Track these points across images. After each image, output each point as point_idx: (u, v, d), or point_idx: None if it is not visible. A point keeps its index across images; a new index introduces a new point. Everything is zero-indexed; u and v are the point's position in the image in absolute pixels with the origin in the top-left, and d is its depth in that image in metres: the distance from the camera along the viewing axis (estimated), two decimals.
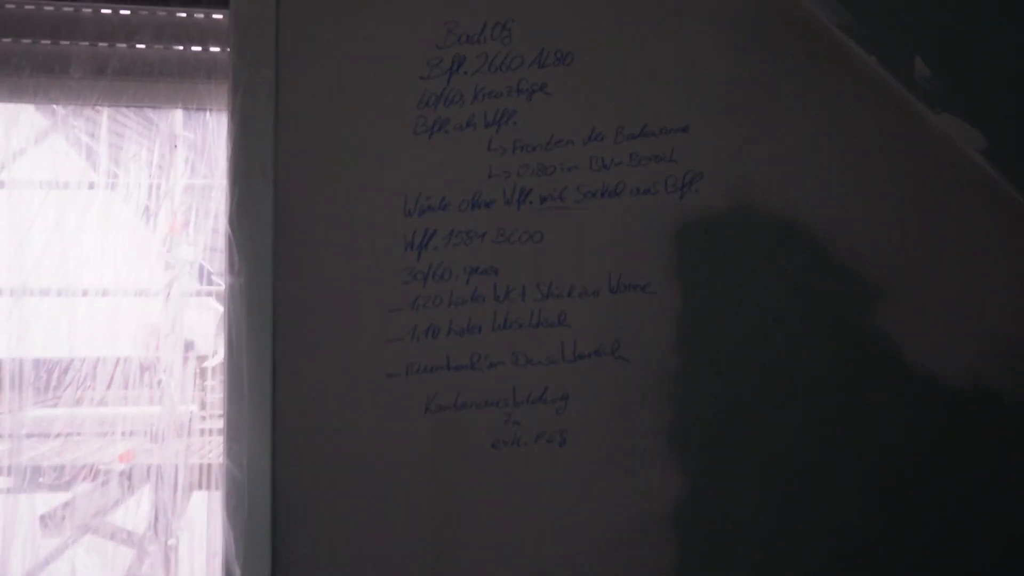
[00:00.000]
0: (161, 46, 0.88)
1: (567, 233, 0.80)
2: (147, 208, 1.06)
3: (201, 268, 1.14)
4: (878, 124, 0.83)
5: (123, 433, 1.04)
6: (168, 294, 1.07)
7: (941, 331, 0.83)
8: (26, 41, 0.88)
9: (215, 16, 0.92)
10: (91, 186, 1.03)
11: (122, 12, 0.84)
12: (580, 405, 0.79)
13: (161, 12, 0.87)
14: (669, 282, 0.81)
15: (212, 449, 1.11)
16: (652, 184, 0.81)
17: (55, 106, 0.94)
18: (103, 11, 0.84)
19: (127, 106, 0.88)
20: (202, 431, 1.10)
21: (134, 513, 1.08)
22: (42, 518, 1.07)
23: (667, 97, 0.82)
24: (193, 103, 0.89)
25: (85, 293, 1.03)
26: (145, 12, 0.86)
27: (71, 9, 0.86)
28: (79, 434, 1.04)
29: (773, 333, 0.82)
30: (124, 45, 0.86)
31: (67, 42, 0.85)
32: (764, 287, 0.82)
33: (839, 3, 0.81)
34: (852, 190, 0.84)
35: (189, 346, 1.14)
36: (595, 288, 0.80)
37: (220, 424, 0.86)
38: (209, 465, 1.08)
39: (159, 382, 1.06)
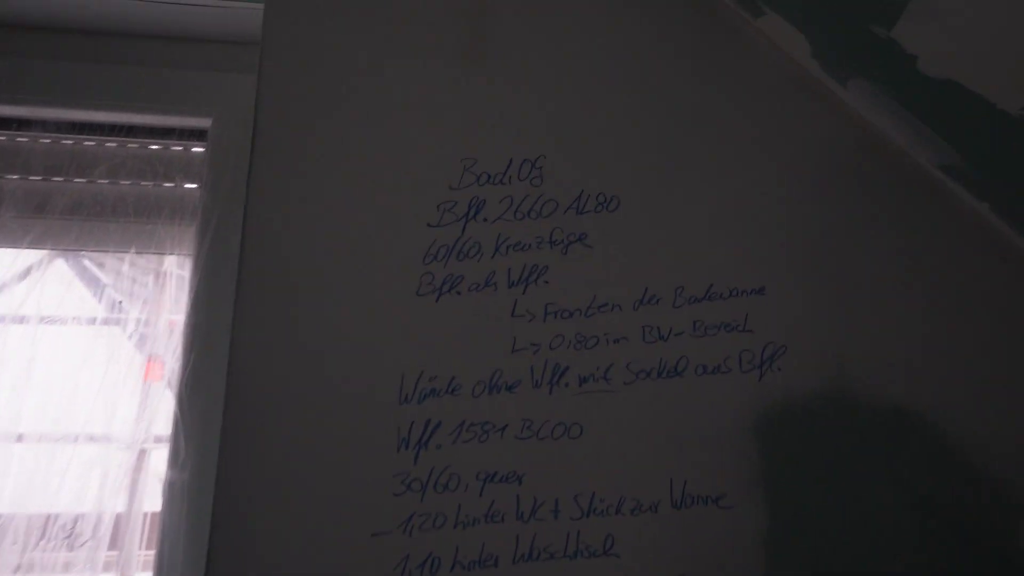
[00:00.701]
0: (121, 182, 0.75)
1: (614, 426, 0.61)
2: (129, 348, 0.89)
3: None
4: (1006, 288, 0.68)
5: None
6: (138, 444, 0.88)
7: None
8: None
9: (193, 149, 0.79)
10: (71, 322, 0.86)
11: (64, 141, 0.72)
12: None
13: (111, 143, 0.75)
14: (750, 492, 0.61)
15: None
16: (723, 360, 0.64)
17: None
18: (43, 140, 0.71)
19: (68, 250, 0.74)
20: None
21: None
22: None
23: (737, 251, 0.66)
24: (151, 246, 0.74)
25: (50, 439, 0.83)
26: (92, 143, 0.73)
27: (3, 138, 0.74)
28: None
29: (889, 557, 0.62)
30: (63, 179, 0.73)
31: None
32: (873, 496, 0.63)
33: (943, 142, 0.67)
34: (977, 370, 0.66)
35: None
36: (652, 502, 0.60)
37: None
38: None
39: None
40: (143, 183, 0.78)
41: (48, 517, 0.76)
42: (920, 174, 0.70)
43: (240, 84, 0.76)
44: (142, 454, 0.83)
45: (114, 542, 0.79)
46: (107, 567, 0.79)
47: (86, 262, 0.85)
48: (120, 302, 0.79)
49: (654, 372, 0.63)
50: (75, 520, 0.77)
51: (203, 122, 0.83)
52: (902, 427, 0.64)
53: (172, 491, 0.63)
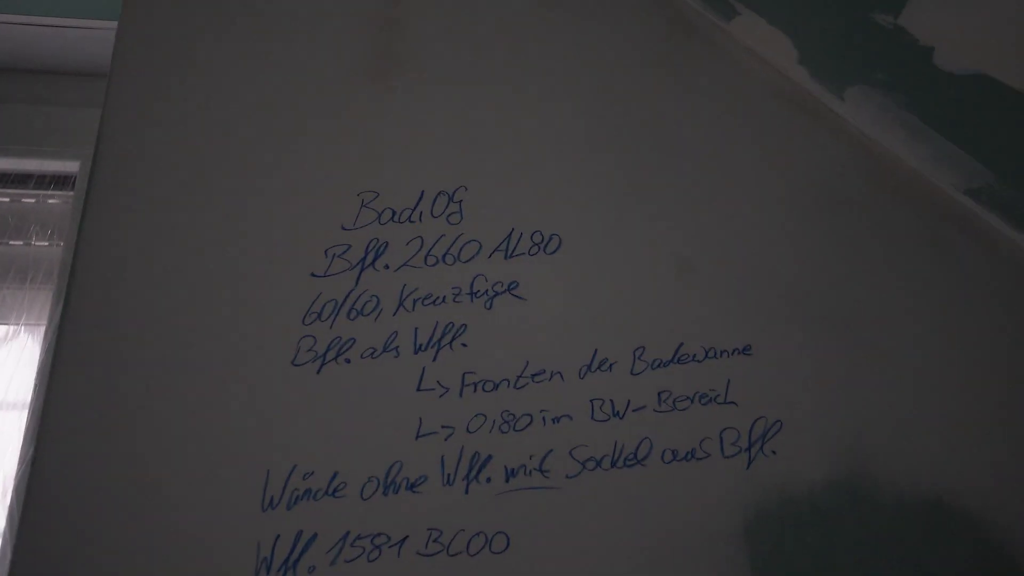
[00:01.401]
0: None
1: (553, 534, 0.46)
2: None
3: None
4: None
5: None
6: None
7: None
8: None
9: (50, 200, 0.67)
10: None
11: None
12: None
13: None
14: None
15: None
16: (698, 443, 0.49)
17: None
18: None
19: None
20: None
21: None
22: None
23: (714, 301, 0.53)
24: None
25: None
26: None
27: None
28: None
29: None
30: None
31: None
32: None
33: (972, 159, 0.55)
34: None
35: None
36: None
37: None
38: None
39: None
40: None
41: None
42: (943, 202, 0.57)
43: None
44: None
45: None
46: None
47: None
48: None
49: (606, 460, 0.49)
50: None
51: (69, 166, 0.72)
52: (939, 524, 0.49)
53: None
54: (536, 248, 0.53)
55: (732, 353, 0.52)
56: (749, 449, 0.50)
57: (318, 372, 0.48)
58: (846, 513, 0.49)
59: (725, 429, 0.50)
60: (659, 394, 0.51)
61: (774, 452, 0.50)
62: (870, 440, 0.51)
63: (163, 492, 0.44)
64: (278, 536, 0.44)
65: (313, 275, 0.50)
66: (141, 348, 0.47)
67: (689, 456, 0.50)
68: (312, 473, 0.46)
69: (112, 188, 0.51)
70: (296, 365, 0.48)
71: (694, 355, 0.52)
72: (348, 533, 0.45)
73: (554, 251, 0.53)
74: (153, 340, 0.47)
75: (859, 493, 0.50)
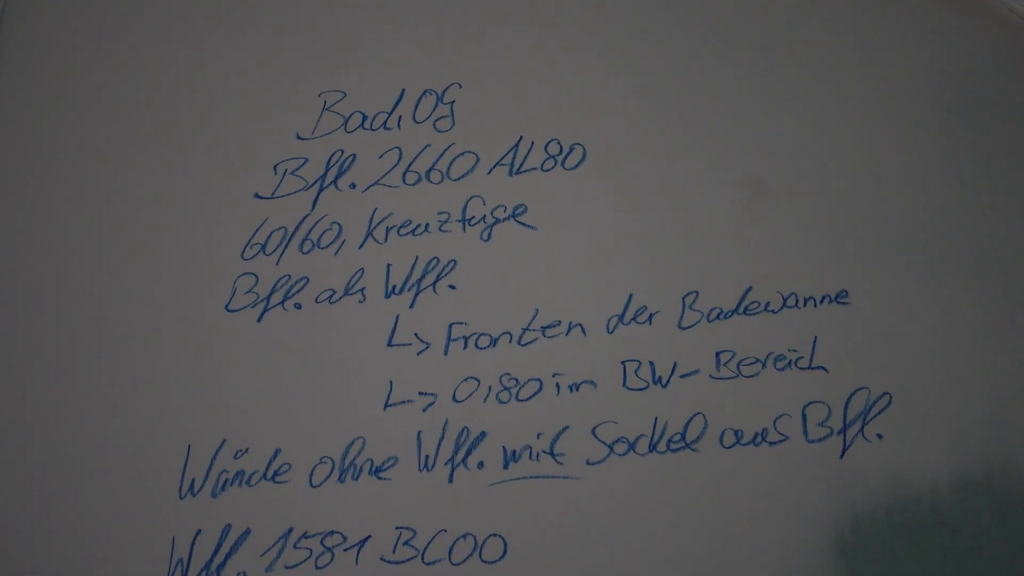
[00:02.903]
0: None
1: (567, 540, 0.35)
2: None
3: None
4: None
5: None
6: None
7: None
8: None
9: None
10: None
11: None
12: None
13: None
14: None
15: None
16: (771, 421, 0.37)
17: None
18: None
19: None
20: None
21: None
22: None
23: (797, 233, 0.40)
24: None
25: None
26: None
27: None
28: None
29: None
30: None
31: None
32: None
33: None
34: None
35: None
36: None
37: None
38: None
39: None
40: None
41: None
42: None
43: None
44: None
45: None
46: None
47: None
48: None
49: (643, 443, 0.37)
50: None
51: None
52: None
53: None
54: (551, 162, 0.41)
55: (821, 301, 0.39)
56: (844, 431, 0.37)
57: (259, 320, 0.38)
58: (980, 519, 0.36)
59: (810, 404, 0.38)
60: (717, 355, 0.38)
61: (879, 436, 0.37)
62: (1015, 424, 0.38)
63: (53, 471, 0.36)
64: (199, 531, 0.35)
65: (258, 196, 0.39)
66: (34, 278, 0.39)
67: (759, 439, 0.37)
68: (246, 451, 0.36)
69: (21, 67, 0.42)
70: (230, 311, 0.38)
71: (767, 303, 0.39)
72: (291, 530, 0.35)
73: (575, 166, 0.41)
74: (47, 272, 0.39)
75: (998, 494, 0.37)
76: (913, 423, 0.38)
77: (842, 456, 0.37)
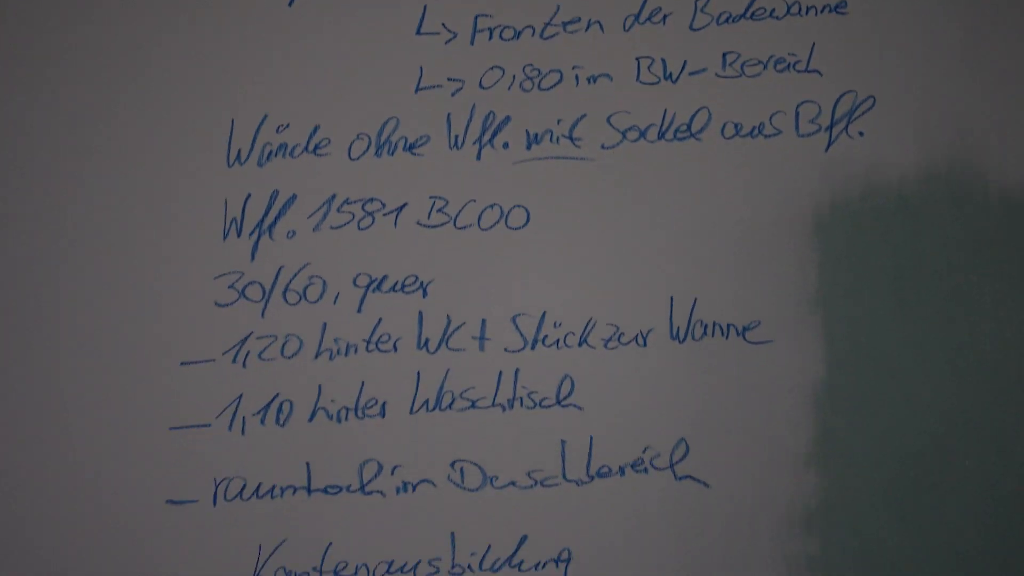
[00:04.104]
0: None
1: (581, 212, 0.40)
2: None
3: None
4: None
5: None
6: None
7: None
8: None
9: None
10: None
11: None
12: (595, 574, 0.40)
13: None
14: (798, 321, 0.41)
15: None
16: (768, 117, 0.41)
17: None
18: None
19: None
20: None
21: None
22: None
23: None
24: None
25: None
26: None
27: None
28: None
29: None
30: None
31: None
32: (996, 332, 0.43)
33: None
34: None
35: None
36: (639, 330, 0.40)
37: None
38: None
39: None
40: None
41: None
42: None
43: None
44: None
45: None
46: None
47: None
48: None
49: (652, 131, 0.41)
50: None
51: None
52: None
53: None
54: None
55: (822, 10, 0.42)
56: (831, 128, 0.42)
57: (290, 4, 0.40)
58: (940, 206, 0.42)
59: (803, 103, 0.42)
60: (724, 55, 0.42)
61: (861, 133, 0.42)
62: (980, 128, 0.42)
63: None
64: (249, 195, 0.39)
65: None
66: None
67: (756, 132, 0.42)
68: (287, 126, 0.39)
69: None
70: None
71: (772, 10, 0.42)
72: (334, 196, 0.39)
73: None
74: None
75: (959, 185, 0.43)
76: (892, 124, 0.42)
77: (827, 150, 0.42)
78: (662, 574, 0.39)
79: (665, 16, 0.42)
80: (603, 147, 0.41)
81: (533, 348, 0.40)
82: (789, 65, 0.42)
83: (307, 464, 0.38)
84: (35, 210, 0.39)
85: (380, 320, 0.39)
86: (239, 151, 0.38)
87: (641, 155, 0.41)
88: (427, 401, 0.39)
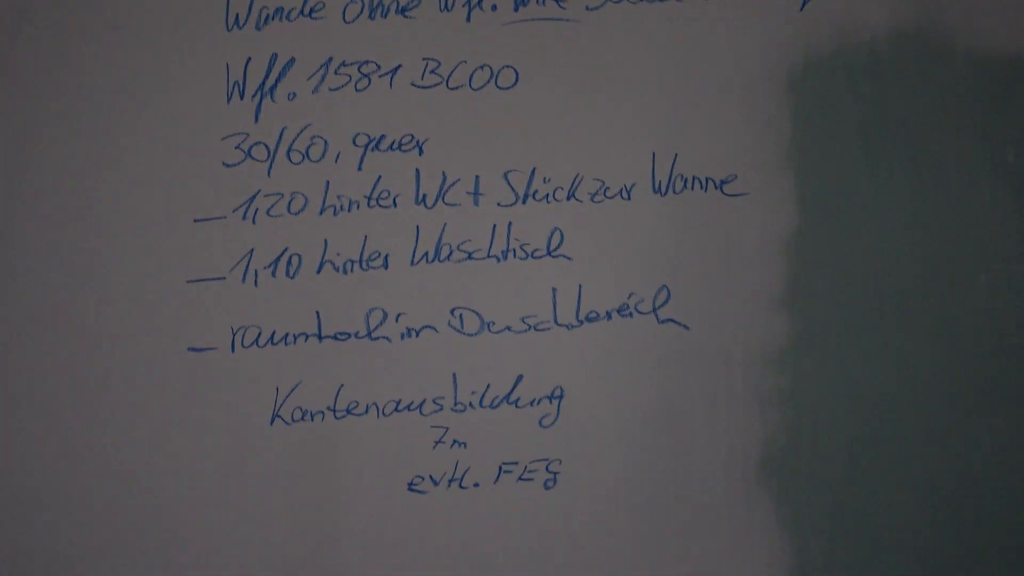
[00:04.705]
0: None
1: (568, 72, 0.42)
2: None
3: None
4: None
5: None
6: None
7: None
8: None
9: None
10: None
11: None
12: (585, 409, 0.45)
13: None
14: (773, 173, 0.44)
15: None
16: None
17: None
18: None
19: None
20: None
21: None
22: None
23: None
24: None
25: None
26: None
27: None
28: None
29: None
30: None
31: None
32: (961, 175, 0.46)
33: None
34: None
35: None
36: (624, 184, 0.43)
37: None
38: None
39: None
40: None
41: None
42: None
43: None
44: None
45: None
46: None
47: None
48: None
49: None
50: None
51: None
52: (1014, 84, 0.45)
53: None
54: None
55: None
56: None
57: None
58: (908, 63, 0.45)
59: None
60: None
61: None
62: None
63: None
64: (249, 59, 0.41)
65: None
66: None
67: None
68: None
69: None
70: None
71: None
72: (331, 59, 0.41)
73: None
74: None
75: (927, 44, 0.45)
76: None
77: (801, 9, 0.44)
78: (646, 409, 0.44)
79: None
80: (588, 8, 0.43)
81: (524, 203, 0.43)
82: None
83: (317, 313, 0.42)
84: (43, 74, 0.41)
85: (380, 177, 0.42)
86: (237, 15, 0.40)
87: (623, 16, 0.43)
88: (427, 253, 0.42)
